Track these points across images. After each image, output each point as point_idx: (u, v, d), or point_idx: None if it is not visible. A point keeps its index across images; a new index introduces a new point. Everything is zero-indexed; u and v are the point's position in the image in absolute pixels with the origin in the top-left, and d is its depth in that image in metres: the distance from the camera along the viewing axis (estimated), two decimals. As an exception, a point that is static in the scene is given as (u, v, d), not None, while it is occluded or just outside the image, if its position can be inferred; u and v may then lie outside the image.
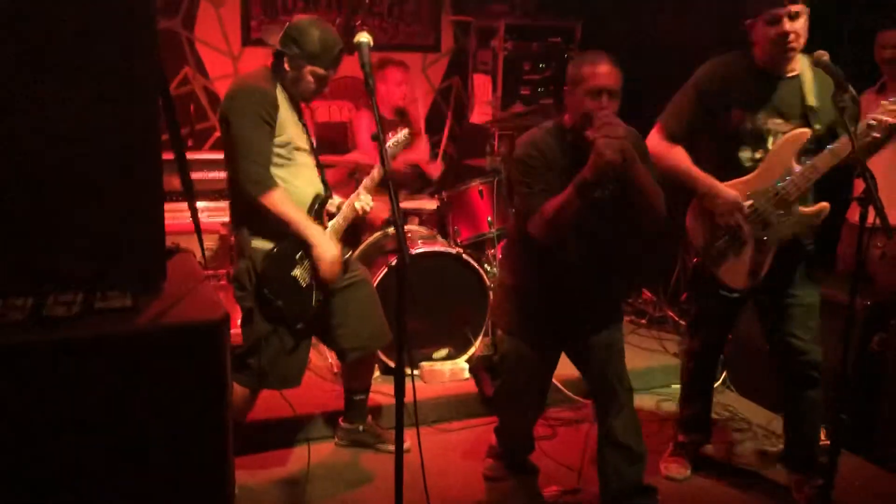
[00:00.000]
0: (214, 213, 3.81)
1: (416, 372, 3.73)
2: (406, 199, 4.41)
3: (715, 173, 2.75)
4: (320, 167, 2.88)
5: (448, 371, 3.75)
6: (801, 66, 2.68)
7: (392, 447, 2.15)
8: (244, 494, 2.88)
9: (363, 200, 2.83)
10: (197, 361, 1.47)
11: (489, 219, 4.02)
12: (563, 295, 2.65)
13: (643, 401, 3.70)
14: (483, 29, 5.30)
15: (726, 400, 3.78)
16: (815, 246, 2.82)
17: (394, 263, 3.56)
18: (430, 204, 4.34)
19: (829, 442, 2.65)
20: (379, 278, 3.52)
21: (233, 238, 3.15)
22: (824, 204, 2.71)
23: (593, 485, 2.81)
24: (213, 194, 3.83)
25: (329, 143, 4.39)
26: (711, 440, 3.29)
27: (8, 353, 1.33)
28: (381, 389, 3.48)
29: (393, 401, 1.93)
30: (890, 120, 2.53)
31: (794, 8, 2.54)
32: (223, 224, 3.76)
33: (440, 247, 3.77)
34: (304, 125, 2.81)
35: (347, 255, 2.89)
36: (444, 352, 3.84)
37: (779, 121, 2.68)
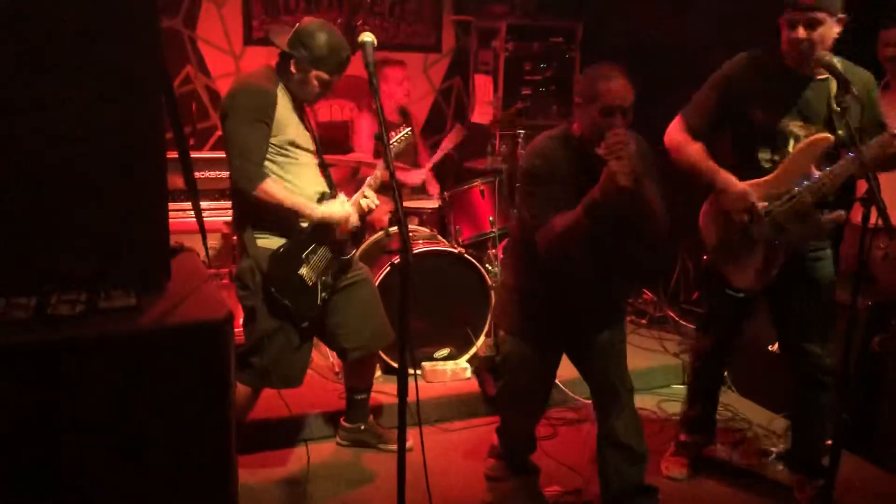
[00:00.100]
0: (216, 212, 3.81)
1: (417, 371, 3.74)
2: (407, 198, 4.41)
3: (732, 172, 2.70)
4: (325, 167, 2.88)
5: (449, 371, 3.75)
6: None
7: (393, 446, 2.16)
8: (245, 494, 2.88)
9: (369, 198, 2.84)
10: (201, 361, 1.47)
11: (491, 218, 4.01)
12: (565, 296, 2.64)
13: (644, 401, 3.70)
14: (484, 29, 5.30)
15: (727, 400, 3.77)
16: (831, 250, 2.79)
17: (396, 262, 3.56)
18: (431, 203, 4.34)
19: (830, 442, 2.65)
20: (381, 277, 3.52)
21: (235, 237, 3.15)
22: (840, 212, 2.65)
23: (594, 485, 2.81)
24: (214, 193, 3.82)
25: (331, 141, 4.38)
26: (715, 442, 3.29)
27: (12, 352, 1.33)
28: (382, 389, 3.49)
29: (394, 400, 1.94)
30: None
31: (813, 15, 2.48)
32: (225, 223, 3.76)
33: (442, 246, 3.78)
34: (309, 125, 2.81)
35: (349, 255, 2.89)
36: (445, 351, 3.84)
37: (801, 123, 2.63)
